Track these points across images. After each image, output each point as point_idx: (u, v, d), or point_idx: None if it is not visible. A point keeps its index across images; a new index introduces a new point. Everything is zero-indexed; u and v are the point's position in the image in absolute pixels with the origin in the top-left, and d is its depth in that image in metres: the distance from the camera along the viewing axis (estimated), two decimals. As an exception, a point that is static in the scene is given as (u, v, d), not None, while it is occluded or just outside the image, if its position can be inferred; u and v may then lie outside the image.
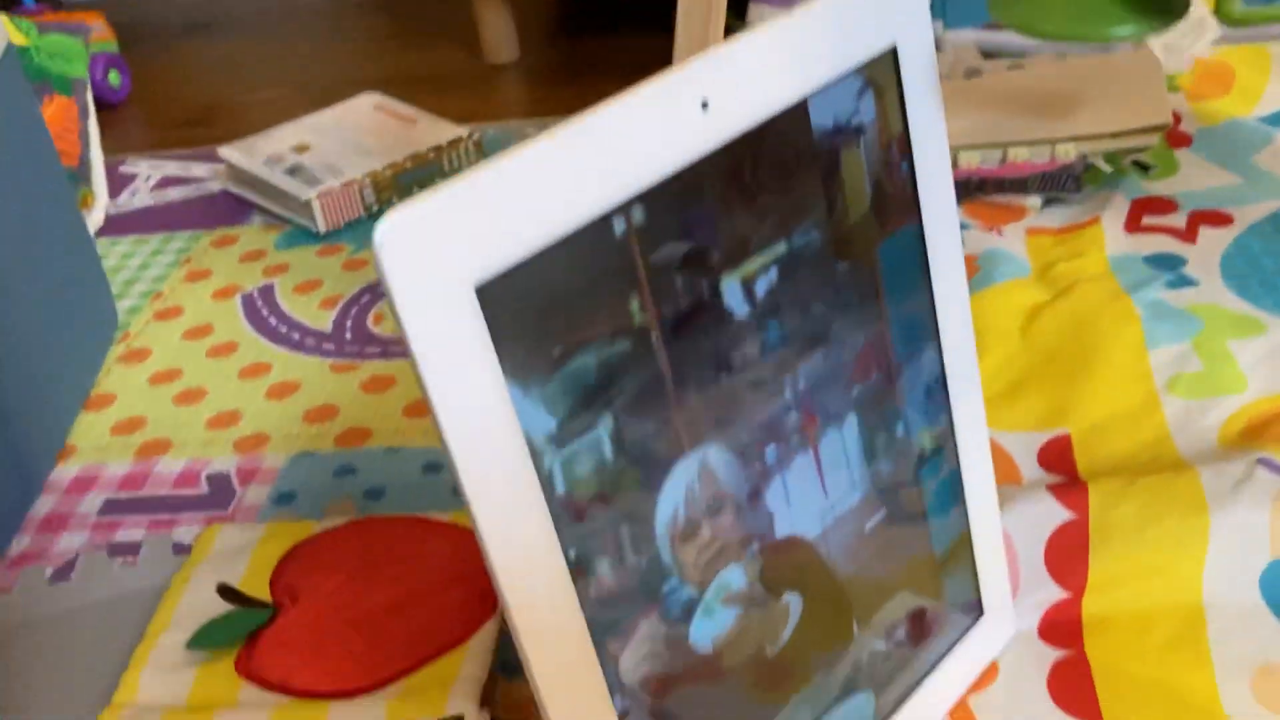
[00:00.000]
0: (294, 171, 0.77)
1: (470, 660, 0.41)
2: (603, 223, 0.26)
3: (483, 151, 0.82)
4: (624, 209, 0.26)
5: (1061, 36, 0.59)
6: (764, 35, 0.29)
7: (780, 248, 0.30)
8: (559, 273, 0.26)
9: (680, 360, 0.29)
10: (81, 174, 0.78)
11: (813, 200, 0.31)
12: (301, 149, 0.80)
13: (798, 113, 0.30)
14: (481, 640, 0.42)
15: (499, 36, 1.04)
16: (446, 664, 0.41)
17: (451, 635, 0.42)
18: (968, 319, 0.36)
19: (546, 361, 0.26)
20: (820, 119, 0.30)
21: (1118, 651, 0.40)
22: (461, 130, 0.82)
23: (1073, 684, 0.39)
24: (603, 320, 0.27)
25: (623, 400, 0.28)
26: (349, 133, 0.82)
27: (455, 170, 0.81)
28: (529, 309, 0.25)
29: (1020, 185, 0.65)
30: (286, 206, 0.77)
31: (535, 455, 0.26)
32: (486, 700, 0.41)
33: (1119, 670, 0.39)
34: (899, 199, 0.33)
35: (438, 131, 0.82)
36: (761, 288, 0.30)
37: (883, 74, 0.32)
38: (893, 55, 0.32)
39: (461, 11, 1.05)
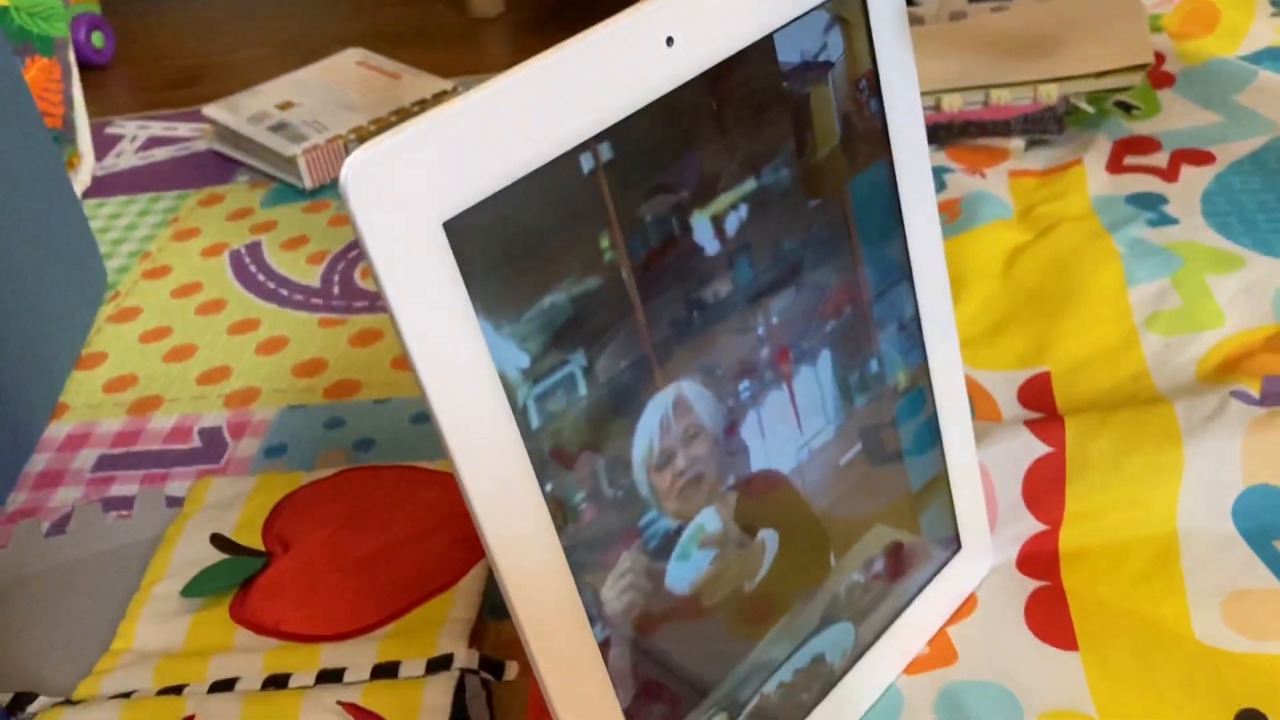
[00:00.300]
0: (279, 129, 0.77)
1: (459, 602, 0.42)
2: (570, 158, 0.26)
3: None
4: (591, 145, 0.27)
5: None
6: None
7: (750, 184, 0.31)
8: (528, 209, 0.26)
9: (651, 297, 0.29)
10: (66, 135, 0.78)
11: (781, 137, 0.31)
12: (286, 106, 0.80)
13: (764, 48, 0.30)
14: (470, 583, 0.43)
15: (483, -10, 1.03)
16: (436, 606, 0.42)
17: (440, 579, 0.43)
18: (940, 255, 0.37)
19: (517, 298, 0.26)
20: (787, 55, 0.31)
21: (1094, 581, 0.41)
22: (447, 84, 0.82)
23: (1050, 614, 0.40)
24: (573, 257, 0.27)
25: (595, 336, 0.28)
26: (333, 89, 0.82)
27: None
28: (498, 245, 0.26)
29: (1003, 127, 0.65)
30: (272, 164, 0.77)
31: (509, 391, 0.26)
32: (475, 641, 0.41)
33: (1095, 600, 0.40)
34: (868, 135, 0.34)
35: (423, 86, 0.82)
36: (732, 225, 0.31)
37: (849, 9, 0.32)
38: (861, -9, 0.32)
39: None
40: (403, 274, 0.24)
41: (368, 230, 0.23)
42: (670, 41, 0.28)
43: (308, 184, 0.75)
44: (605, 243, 0.28)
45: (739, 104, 0.30)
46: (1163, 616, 0.39)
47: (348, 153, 0.76)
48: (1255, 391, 0.45)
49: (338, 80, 0.83)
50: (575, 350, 0.28)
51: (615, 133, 0.27)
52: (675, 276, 0.29)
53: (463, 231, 0.25)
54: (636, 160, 0.28)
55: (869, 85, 0.33)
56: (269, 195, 0.76)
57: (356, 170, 0.23)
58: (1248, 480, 0.42)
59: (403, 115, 0.79)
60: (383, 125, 0.78)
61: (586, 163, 0.27)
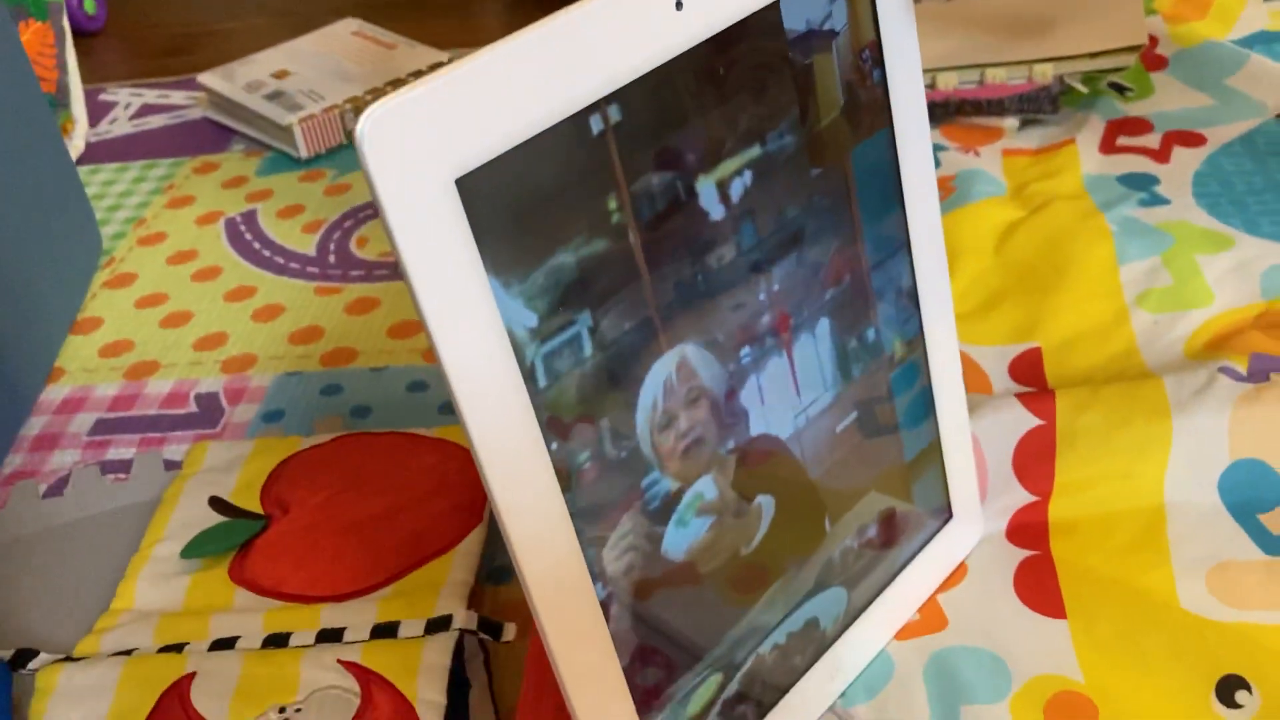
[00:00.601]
0: (274, 97, 0.77)
1: (457, 565, 0.43)
2: (580, 119, 0.27)
3: (463, 77, 0.82)
4: (600, 106, 0.27)
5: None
6: (738, -60, 0.29)
7: (754, 150, 0.31)
8: (538, 169, 0.26)
9: (657, 259, 0.29)
10: (60, 100, 0.78)
11: (786, 104, 0.32)
12: (281, 75, 0.80)
13: (770, 15, 0.30)
14: (467, 547, 0.43)
15: (479, -37, 1.03)
16: (434, 569, 0.42)
17: (438, 543, 0.44)
18: (938, 227, 0.37)
19: (526, 257, 0.27)
20: (793, 22, 0.31)
21: (1082, 552, 0.41)
22: (441, 55, 0.82)
23: (1038, 582, 0.41)
24: (581, 218, 0.28)
25: (601, 297, 0.28)
26: (329, 59, 0.82)
27: (436, 96, 0.81)
28: (508, 204, 0.26)
29: (998, 106, 0.66)
30: (267, 132, 0.77)
31: (517, 349, 0.27)
32: (473, 603, 0.42)
33: (1083, 569, 0.41)
34: (871, 105, 0.34)
35: (417, 57, 0.82)
36: (736, 190, 0.31)
37: (855, -20, 0.32)
38: (866, -39, 0.32)
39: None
40: (415, 229, 0.24)
41: (382, 184, 0.24)
42: (679, 5, 0.28)
43: (303, 153, 0.75)
44: (612, 204, 0.28)
45: (745, 70, 0.30)
46: (1149, 586, 0.39)
47: (343, 123, 0.76)
48: (1243, 368, 0.46)
49: (333, 50, 0.83)
50: (582, 311, 0.28)
51: (624, 95, 0.27)
52: (680, 240, 0.30)
53: (474, 189, 0.25)
54: (644, 123, 0.28)
55: (872, 55, 0.34)
56: (264, 164, 0.76)
57: (372, 125, 0.23)
58: (1234, 455, 0.43)
59: (398, 86, 0.79)
60: (378, 96, 0.78)
61: (596, 124, 0.27)
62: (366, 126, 0.23)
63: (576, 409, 0.29)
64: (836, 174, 0.34)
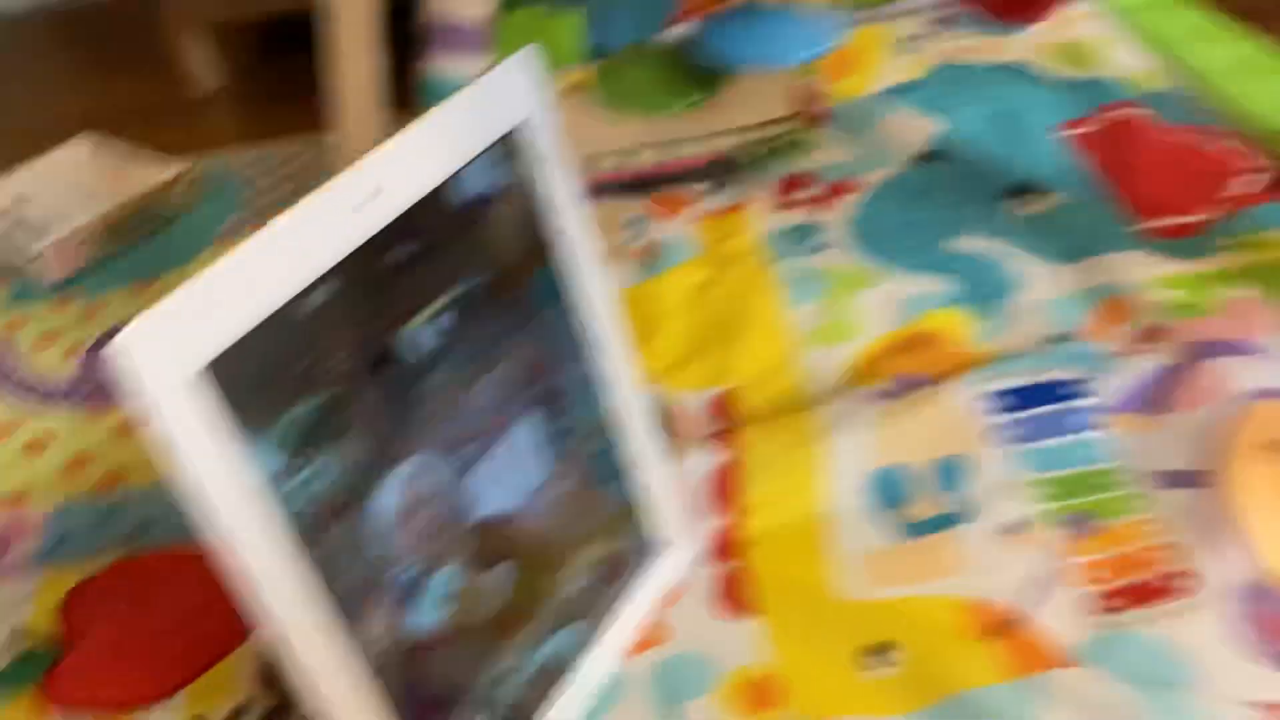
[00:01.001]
0: (18, 225, 0.79)
1: (254, 654, 0.49)
2: (304, 296, 0.34)
3: (202, 185, 0.86)
4: (320, 282, 0.34)
5: (642, 110, 0.76)
6: (420, 127, 0.37)
7: (452, 293, 0.39)
8: (274, 341, 0.33)
9: (382, 394, 0.37)
10: None
11: (475, 251, 0.40)
12: (22, 201, 0.82)
13: (453, 183, 0.38)
14: (260, 638, 0.49)
15: (202, 64, 1.06)
16: (233, 661, 0.48)
17: (231, 640, 0.49)
18: (615, 320, 0.46)
19: (272, 412, 0.34)
20: (472, 186, 0.39)
21: (771, 560, 0.51)
22: (181, 166, 0.86)
23: (738, 590, 0.50)
24: (313, 375, 0.35)
25: (340, 431, 0.36)
26: (69, 178, 0.85)
27: (178, 206, 0.85)
28: (249, 375, 0.33)
29: (688, 176, 0.76)
30: (14, 260, 0.79)
31: (268, 490, 0.34)
32: (272, 685, 0.48)
33: (773, 574, 0.50)
34: (543, 240, 0.42)
35: (157, 169, 0.85)
36: (441, 327, 0.39)
37: (517, 143, 0.41)
38: (524, 127, 0.41)
39: (163, 40, 1.07)
40: (173, 414, 0.31)
41: (139, 384, 0.30)
42: (376, 192, 0.36)
43: (54, 278, 0.77)
44: (339, 358, 0.35)
45: (437, 231, 0.38)
46: (820, 579, 0.50)
47: (91, 244, 0.79)
48: (888, 388, 0.57)
49: (72, 170, 0.86)
50: (324, 445, 0.35)
51: (340, 268, 0.35)
52: (400, 374, 0.37)
53: (219, 370, 0.32)
54: (359, 287, 0.36)
55: (538, 199, 0.42)
56: (15, 292, 0.78)
57: (127, 339, 0.30)
58: (879, 462, 0.54)
59: (145, 199, 0.82)
60: (123, 212, 0.81)
61: (319, 297, 0.34)
62: (124, 341, 0.30)
63: (327, 525, 0.36)
64: (522, 298, 0.42)
